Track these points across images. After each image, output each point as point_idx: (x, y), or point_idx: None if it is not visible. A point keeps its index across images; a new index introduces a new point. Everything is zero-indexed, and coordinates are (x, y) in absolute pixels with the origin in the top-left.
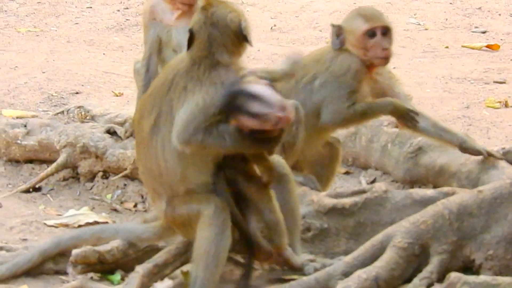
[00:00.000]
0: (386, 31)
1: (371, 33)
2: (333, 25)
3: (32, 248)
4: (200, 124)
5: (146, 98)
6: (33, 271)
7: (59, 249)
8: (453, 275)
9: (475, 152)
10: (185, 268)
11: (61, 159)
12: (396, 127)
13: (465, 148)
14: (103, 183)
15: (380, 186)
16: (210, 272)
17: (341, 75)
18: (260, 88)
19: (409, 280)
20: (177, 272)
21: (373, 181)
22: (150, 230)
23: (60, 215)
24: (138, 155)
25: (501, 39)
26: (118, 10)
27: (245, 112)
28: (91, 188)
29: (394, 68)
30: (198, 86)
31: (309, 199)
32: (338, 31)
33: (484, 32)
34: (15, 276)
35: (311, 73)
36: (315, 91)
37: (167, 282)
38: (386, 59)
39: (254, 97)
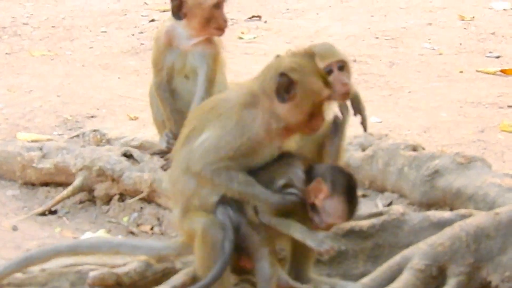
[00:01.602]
0: (342, 66)
1: (327, 70)
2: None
3: (48, 245)
4: (214, 161)
5: (194, 110)
6: None
7: (73, 253)
8: None
9: None
10: None
11: (77, 182)
12: (413, 150)
13: None
14: (120, 206)
15: (397, 208)
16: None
17: None
18: None
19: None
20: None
21: (389, 204)
22: (170, 246)
23: (76, 237)
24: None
25: None
26: (133, 34)
27: None
28: (107, 211)
29: (409, 92)
30: (230, 120)
31: None
32: None
33: (498, 57)
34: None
35: None
36: None
37: None
38: (346, 94)
39: None
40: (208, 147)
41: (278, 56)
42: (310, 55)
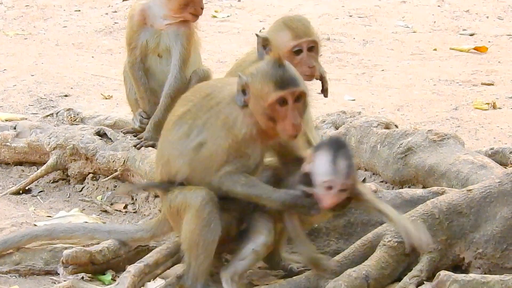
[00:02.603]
0: (312, 47)
1: (297, 50)
2: (258, 36)
3: (26, 230)
4: (216, 170)
5: (194, 89)
6: (23, 271)
7: (49, 237)
8: (443, 274)
9: None
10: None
11: (51, 161)
12: (386, 127)
13: None
14: (93, 184)
15: (370, 186)
16: (200, 262)
17: None
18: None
19: (399, 279)
20: (169, 272)
21: (362, 182)
22: (144, 229)
23: (50, 216)
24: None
25: (489, 42)
26: (107, 13)
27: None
28: (81, 190)
29: (383, 70)
30: (217, 120)
31: None
32: (264, 43)
33: (472, 35)
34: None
35: None
36: None
37: (159, 282)
38: (311, 77)
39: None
40: (207, 157)
41: (257, 34)
42: (277, 61)
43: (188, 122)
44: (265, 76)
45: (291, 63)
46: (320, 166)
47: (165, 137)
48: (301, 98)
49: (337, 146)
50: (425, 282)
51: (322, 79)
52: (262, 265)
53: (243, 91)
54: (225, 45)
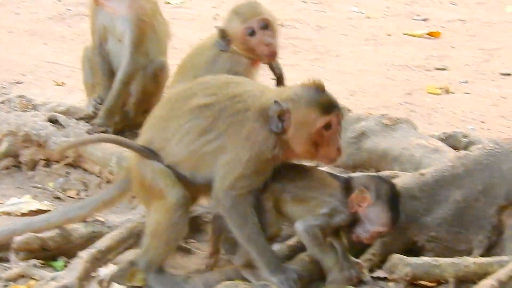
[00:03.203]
0: (266, 25)
1: (250, 32)
2: (217, 28)
3: (3, 227)
4: (232, 182)
5: (218, 80)
6: None
7: (28, 230)
8: (395, 257)
9: None
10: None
11: (2, 147)
12: None
13: None
14: (46, 171)
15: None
16: (159, 252)
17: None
18: None
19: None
20: (121, 257)
21: (316, 167)
22: (112, 189)
23: (1, 203)
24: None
25: (442, 27)
26: (59, 0)
27: None
28: (33, 177)
29: (337, 56)
30: (242, 130)
31: None
32: (223, 34)
33: (425, 20)
34: None
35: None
36: None
37: (111, 267)
38: (272, 55)
39: None
40: (221, 164)
41: (217, 27)
42: (318, 86)
43: (209, 119)
44: (310, 102)
45: (249, 47)
46: (381, 216)
47: (175, 117)
48: (342, 120)
49: (395, 194)
50: (378, 265)
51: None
52: None
53: (279, 117)
54: (179, 32)
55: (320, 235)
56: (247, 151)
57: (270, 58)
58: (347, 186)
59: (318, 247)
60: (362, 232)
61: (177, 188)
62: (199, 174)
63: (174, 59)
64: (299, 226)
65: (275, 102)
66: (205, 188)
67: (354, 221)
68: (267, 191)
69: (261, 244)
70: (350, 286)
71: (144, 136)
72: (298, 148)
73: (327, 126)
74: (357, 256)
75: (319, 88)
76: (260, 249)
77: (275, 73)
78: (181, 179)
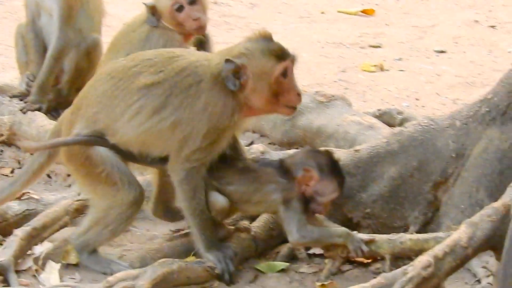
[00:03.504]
0: (193, 0)
1: (178, 7)
2: (145, 4)
3: None
4: (188, 155)
5: (162, 56)
6: None
7: None
8: None
9: None
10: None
11: None
12: None
13: None
14: None
15: (257, 147)
16: (101, 238)
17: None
18: None
19: (287, 240)
20: (56, 235)
21: (250, 144)
22: (37, 156)
23: None
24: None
25: (376, 4)
26: None
27: None
28: None
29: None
30: (198, 101)
31: None
32: (152, 10)
33: None
34: None
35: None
36: None
37: (46, 245)
38: (200, 29)
39: None
40: (179, 138)
41: (146, 4)
42: (266, 37)
43: (160, 97)
44: (264, 52)
45: (178, 22)
46: (330, 187)
47: (121, 96)
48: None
49: (334, 161)
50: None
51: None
52: None
53: (235, 74)
54: (111, 9)
55: (310, 228)
56: (205, 123)
57: (199, 32)
58: (283, 168)
59: (322, 238)
60: (316, 207)
61: (135, 186)
62: (151, 152)
63: (107, 37)
64: (293, 240)
65: (227, 60)
66: (155, 165)
67: (306, 198)
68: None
69: (204, 220)
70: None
71: (86, 110)
72: (259, 102)
73: (284, 73)
74: None
75: (267, 38)
76: (202, 224)
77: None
78: (129, 158)
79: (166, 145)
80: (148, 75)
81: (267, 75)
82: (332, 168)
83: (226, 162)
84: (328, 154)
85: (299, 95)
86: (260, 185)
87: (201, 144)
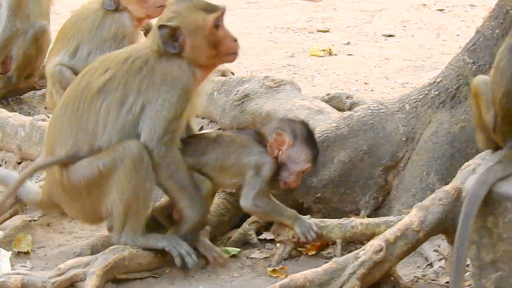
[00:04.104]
0: None
1: None
2: None
3: None
4: (164, 131)
5: (103, 59)
6: None
7: None
8: None
9: None
10: None
11: None
12: (222, 75)
13: None
14: None
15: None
16: (140, 215)
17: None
18: None
19: (238, 225)
20: (7, 223)
21: (200, 129)
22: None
23: None
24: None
25: None
26: None
27: None
28: None
29: None
30: (160, 78)
31: None
32: None
33: None
34: None
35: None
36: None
37: None
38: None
39: None
40: (151, 117)
41: None
42: None
43: (118, 89)
44: (193, 9)
45: (143, 8)
46: (302, 154)
47: (82, 110)
48: None
49: (310, 131)
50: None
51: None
52: None
53: (172, 37)
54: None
55: (266, 200)
56: (174, 92)
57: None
58: (258, 136)
59: (272, 213)
60: (288, 176)
61: (129, 143)
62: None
63: (56, 25)
64: (245, 205)
65: (160, 26)
66: None
67: (278, 167)
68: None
69: (194, 192)
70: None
71: (61, 147)
72: (203, 57)
73: (216, 24)
74: (243, 219)
75: None
76: (193, 196)
77: None
78: None
79: (143, 128)
80: (98, 79)
81: (201, 29)
82: (307, 136)
83: (197, 137)
84: (303, 123)
85: (235, 40)
86: (234, 148)
87: (176, 112)
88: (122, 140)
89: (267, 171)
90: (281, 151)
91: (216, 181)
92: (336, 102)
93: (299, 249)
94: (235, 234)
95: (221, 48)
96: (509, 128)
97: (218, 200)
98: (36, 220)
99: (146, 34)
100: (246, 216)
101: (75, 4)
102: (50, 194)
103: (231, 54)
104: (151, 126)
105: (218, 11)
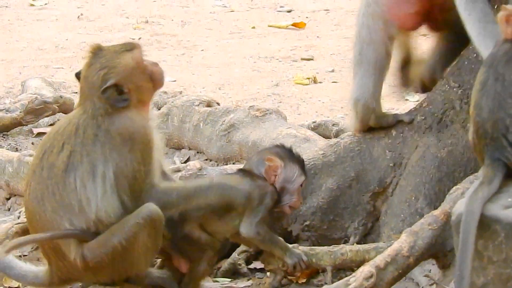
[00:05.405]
0: None
1: None
2: None
3: None
4: (144, 186)
5: (52, 135)
6: None
7: None
8: None
9: None
10: None
11: None
12: (208, 105)
13: None
14: None
15: (194, 164)
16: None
17: None
18: None
19: (228, 255)
20: None
21: (187, 161)
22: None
23: None
24: (39, 191)
25: (307, 17)
26: None
27: None
28: None
29: (202, 50)
30: (131, 131)
31: None
32: None
33: (289, 11)
34: None
35: None
36: None
37: None
38: None
39: None
40: (127, 178)
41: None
42: (96, 48)
43: (83, 161)
44: (116, 56)
45: None
46: (294, 170)
47: (60, 193)
48: None
49: (289, 148)
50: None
51: None
52: None
53: (119, 93)
54: (44, 32)
55: (266, 229)
56: (136, 148)
57: None
58: (245, 173)
59: (269, 242)
60: (290, 198)
61: (146, 206)
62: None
63: (40, 60)
64: (246, 231)
65: (104, 90)
66: None
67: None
68: (187, 222)
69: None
70: None
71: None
72: (146, 95)
73: (141, 58)
74: (232, 249)
75: (98, 48)
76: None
77: None
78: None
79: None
80: (58, 158)
81: (135, 69)
82: (289, 153)
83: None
84: (280, 145)
85: (157, 64)
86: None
87: (147, 167)
88: (111, 207)
89: (268, 199)
90: (276, 176)
91: (217, 230)
92: (322, 129)
93: (289, 277)
94: (225, 264)
95: (154, 77)
96: (483, 142)
97: None
98: (26, 256)
99: None
100: (235, 246)
101: (60, 39)
102: (59, 273)
103: (162, 79)
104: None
105: (135, 45)
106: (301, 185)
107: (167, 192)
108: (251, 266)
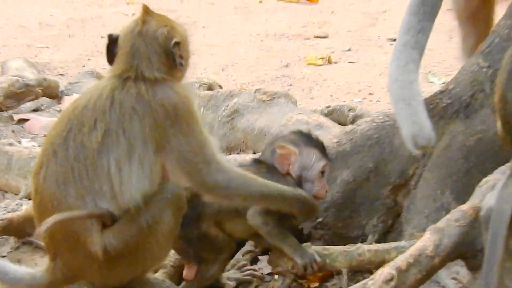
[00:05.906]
0: None
1: None
2: None
3: None
4: (215, 163)
5: (80, 110)
6: None
7: None
8: None
9: None
10: None
11: None
12: (209, 89)
13: None
14: None
15: None
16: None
17: None
18: None
19: (232, 255)
20: None
21: None
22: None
23: None
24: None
25: None
26: None
27: None
28: None
29: (204, 27)
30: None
31: None
32: None
33: None
34: None
35: None
36: None
37: None
38: None
39: None
40: (194, 153)
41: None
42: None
43: (120, 141)
44: (174, 21)
45: None
46: (311, 154)
47: (89, 176)
48: None
49: (304, 132)
50: (259, 257)
51: None
52: None
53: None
54: (26, 8)
55: (276, 222)
56: (194, 124)
57: None
58: (257, 164)
59: (277, 236)
60: (312, 186)
61: (169, 185)
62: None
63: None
64: (253, 219)
65: (175, 44)
66: None
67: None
68: (203, 220)
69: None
70: None
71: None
72: (184, 74)
73: None
74: (236, 250)
75: (146, 10)
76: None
77: None
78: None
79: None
80: (90, 137)
81: (187, 40)
82: (306, 138)
83: None
84: (295, 130)
85: None
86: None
87: (208, 139)
88: (145, 194)
89: None
90: (290, 165)
91: (235, 229)
92: (337, 115)
93: (300, 281)
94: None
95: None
96: (509, 138)
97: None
98: (4, 256)
99: None
100: (239, 246)
101: (44, 16)
102: (65, 270)
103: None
104: (194, 165)
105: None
106: (323, 172)
107: (232, 175)
108: (257, 267)
